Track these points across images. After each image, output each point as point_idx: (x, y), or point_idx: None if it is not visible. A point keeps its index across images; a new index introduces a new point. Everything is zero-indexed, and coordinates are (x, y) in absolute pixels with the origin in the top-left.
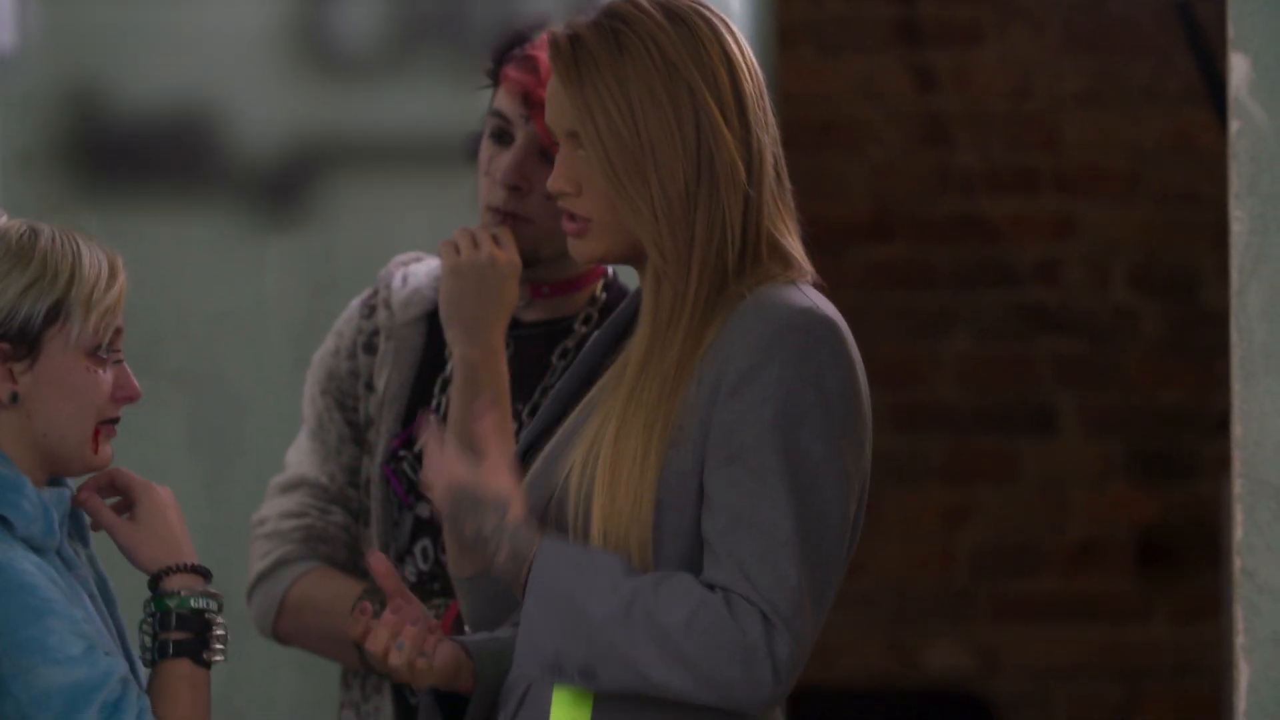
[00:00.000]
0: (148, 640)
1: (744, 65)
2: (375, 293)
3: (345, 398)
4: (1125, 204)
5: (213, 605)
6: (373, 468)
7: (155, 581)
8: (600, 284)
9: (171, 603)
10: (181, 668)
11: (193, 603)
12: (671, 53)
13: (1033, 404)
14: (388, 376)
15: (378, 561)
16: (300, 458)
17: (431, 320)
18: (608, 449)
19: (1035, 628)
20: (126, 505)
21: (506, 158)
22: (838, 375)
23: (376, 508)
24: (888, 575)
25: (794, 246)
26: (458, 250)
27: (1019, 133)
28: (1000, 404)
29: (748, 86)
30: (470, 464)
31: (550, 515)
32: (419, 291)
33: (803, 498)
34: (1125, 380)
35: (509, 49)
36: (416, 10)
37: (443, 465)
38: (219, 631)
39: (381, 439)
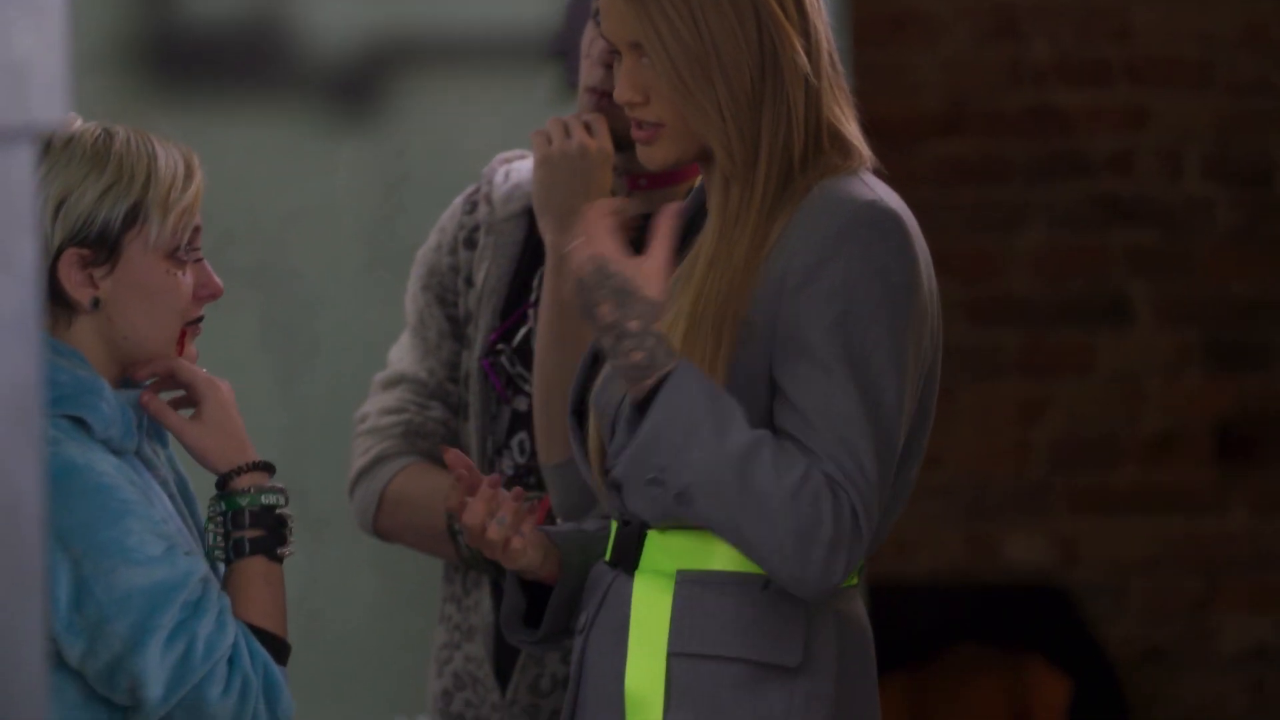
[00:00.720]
0: (219, 539)
1: None
2: (478, 188)
3: (446, 293)
4: (1198, 94)
5: (281, 500)
6: (471, 362)
7: (225, 480)
8: (698, 179)
9: (244, 501)
10: (257, 565)
11: (264, 499)
12: None
13: (1107, 295)
14: (486, 270)
15: (454, 458)
16: (401, 354)
17: (531, 215)
18: (678, 347)
19: (1113, 519)
20: (188, 400)
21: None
22: (902, 268)
23: (475, 402)
24: (965, 469)
25: (852, 132)
26: (549, 140)
27: (1090, 24)
28: (1075, 296)
29: None
30: (629, 259)
31: (623, 418)
32: (520, 187)
33: (869, 392)
34: (1200, 270)
35: None
36: None
37: (602, 239)
38: (289, 528)
39: (480, 333)
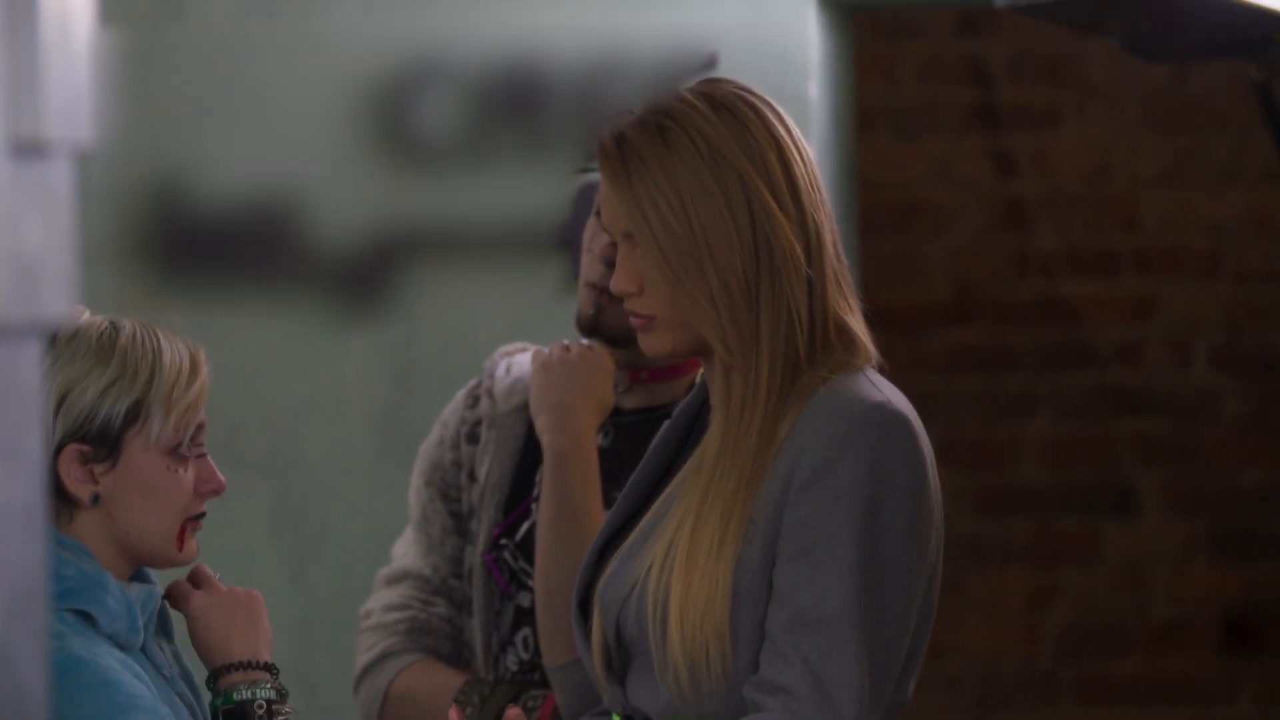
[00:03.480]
0: None
1: (793, 148)
2: (479, 383)
3: (449, 488)
4: (1206, 284)
5: (262, 694)
6: (474, 557)
7: (211, 682)
8: (699, 372)
9: (218, 702)
10: None
11: (235, 696)
12: (719, 142)
13: (1115, 484)
14: (489, 465)
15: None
16: (405, 549)
17: None
18: (684, 543)
19: (1120, 710)
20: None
21: (607, 236)
22: (909, 471)
23: (478, 597)
24: (973, 658)
25: (857, 326)
26: (550, 352)
27: (1098, 214)
28: (1083, 485)
29: (799, 169)
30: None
31: (630, 611)
32: (521, 380)
33: (871, 593)
34: (1207, 460)
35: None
36: (496, 100)
37: None
38: (279, 718)
39: (483, 528)
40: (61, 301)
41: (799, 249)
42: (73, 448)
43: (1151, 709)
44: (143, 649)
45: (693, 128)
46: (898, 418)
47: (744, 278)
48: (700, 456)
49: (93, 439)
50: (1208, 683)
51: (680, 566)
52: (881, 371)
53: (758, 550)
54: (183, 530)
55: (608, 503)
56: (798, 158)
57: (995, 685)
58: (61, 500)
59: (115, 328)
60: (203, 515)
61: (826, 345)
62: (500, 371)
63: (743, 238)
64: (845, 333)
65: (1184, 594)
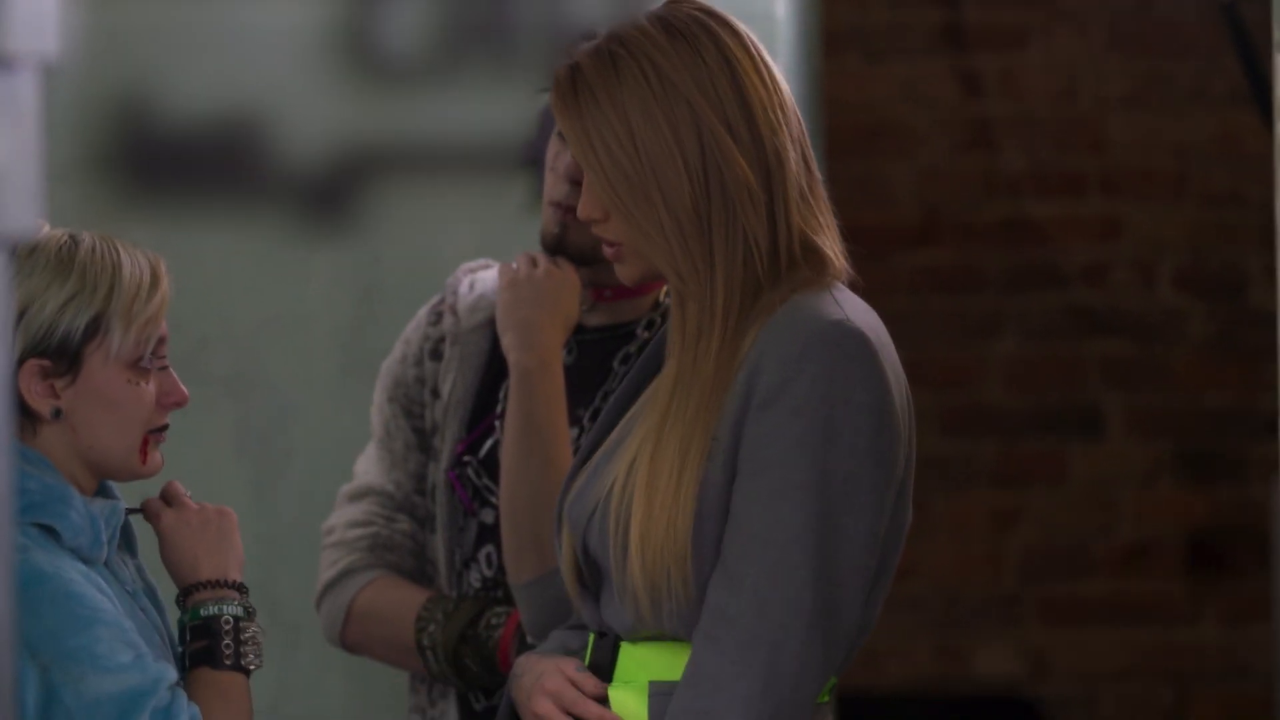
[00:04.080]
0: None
1: (752, 70)
2: (442, 299)
3: (412, 405)
4: (1171, 206)
5: (228, 610)
6: (438, 474)
7: (180, 600)
8: (664, 289)
9: (185, 618)
10: (200, 675)
11: (201, 612)
12: (669, 71)
13: (1081, 406)
14: (453, 382)
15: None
16: (368, 466)
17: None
18: (644, 468)
19: (1084, 631)
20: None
21: (571, 154)
22: (868, 389)
23: (442, 514)
24: (937, 579)
25: (829, 244)
26: (516, 269)
27: (1065, 136)
28: (1048, 406)
29: (756, 92)
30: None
31: (594, 530)
32: (485, 297)
33: (826, 515)
34: (1173, 381)
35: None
36: (463, 16)
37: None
38: (245, 635)
39: (446, 445)
40: (25, 214)
41: (753, 176)
42: (33, 363)
43: (1116, 630)
44: (106, 564)
45: (644, 56)
46: (855, 334)
47: (693, 208)
48: (660, 380)
49: (52, 354)
50: (1172, 604)
51: (640, 492)
52: (854, 288)
53: (719, 467)
54: (145, 443)
55: (571, 420)
56: (755, 80)
57: (960, 606)
58: (23, 415)
59: (74, 241)
60: (165, 428)
61: (792, 265)
62: (464, 288)
63: (691, 168)
64: (814, 252)
65: (1149, 515)
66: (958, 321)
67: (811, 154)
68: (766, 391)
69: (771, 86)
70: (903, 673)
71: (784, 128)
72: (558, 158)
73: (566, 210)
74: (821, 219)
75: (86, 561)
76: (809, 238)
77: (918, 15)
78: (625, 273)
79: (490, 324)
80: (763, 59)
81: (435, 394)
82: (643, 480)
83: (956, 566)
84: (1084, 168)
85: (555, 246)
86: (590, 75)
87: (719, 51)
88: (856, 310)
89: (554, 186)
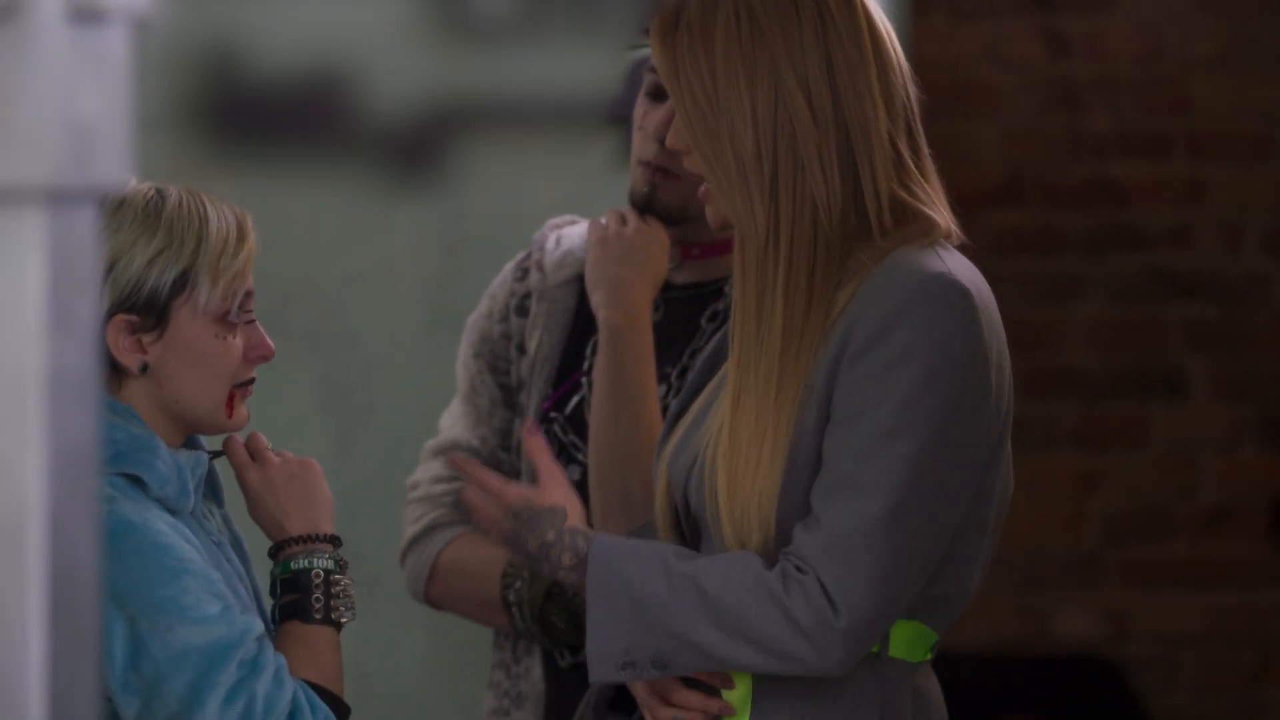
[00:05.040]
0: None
1: (846, 32)
2: (529, 255)
3: (497, 360)
4: (1257, 167)
5: (320, 564)
6: (523, 430)
7: (272, 554)
8: None
9: (276, 570)
10: (290, 628)
11: (292, 565)
12: (762, 19)
13: (1164, 369)
14: (539, 338)
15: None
16: (453, 421)
17: (583, 282)
18: (727, 426)
19: (1166, 593)
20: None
21: (659, 113)
22: (967, 342)
23: (527, 469)
24: (1019, 541)
25: (931, 207)
26: (606, 226)
27: (1150, 97)
28: (1131, 369)
29: (844, 52)
30: (523, 486)
31: (693, 484)
32: (571, 253)
33: (918, 465)
34: (1256, 345)
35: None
36: None
37: (498, 494)
38: (336, 589)
39: (533, 401)
40: (116, 169)
41: (827, 140)
42: (121, 318)
43: (1197, 594)
44: (192, 513)
45: (743, 2)
46: (956, 287)
47: (757, 160)
48: (729, 333)
49: (140, 308)
50: (1254, 568)
51: (724, 452)
52: (964, 250)
53: (813, 417)
54: (231, 397)
55: (659, 378)
56: (849, 44)
57: (1041, 568)
58: (110, 369)
59: (161, 196)
60: (251, 381)
61: (884, 228)
62: (550, 244)
63: (759, 122)
64: (910, 214)
65: (1231, 479)
66: (1040, 283)
67: (917, 123)
68: (865, 340)
69: (869, 51)
70: (984, 633)
71: (874, 94)
72: (647, 116)
73: (655, 169)
74: (920, 187)
75: (173, 511)
76: (906, 202)
77: None
78: (711, 213)
79: (577, 280)
80: (868, 23)
81: (521, 350)
82: (726, 442)
83: (1038, 528)
84: (1169, 129)
85: (644, 205)
86: (691, 9)
87: (817, 10)
88: (960, 266)
89: (643, 145)
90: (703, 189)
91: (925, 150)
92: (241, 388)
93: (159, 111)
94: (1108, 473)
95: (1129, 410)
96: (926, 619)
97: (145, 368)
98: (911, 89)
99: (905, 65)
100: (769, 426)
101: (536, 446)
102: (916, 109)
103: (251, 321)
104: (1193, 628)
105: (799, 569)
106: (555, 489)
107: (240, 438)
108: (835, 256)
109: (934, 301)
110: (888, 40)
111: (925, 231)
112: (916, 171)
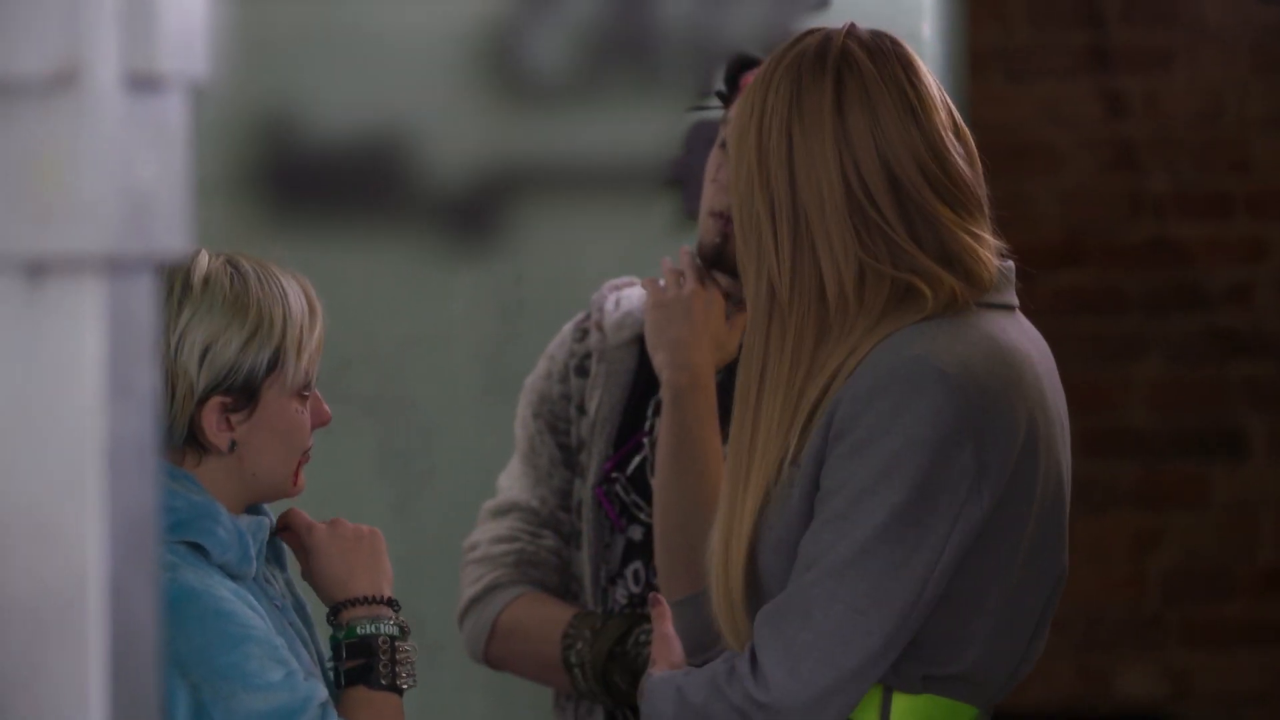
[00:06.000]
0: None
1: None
2: (588, 316)
3: (557, 420)
4: None
5: (385, 629)
6: (584, 490)
7: (331, 617)
8: None
9: (340, 634)
10: (359, 694)
11: (359, 630)
12: (808, 105)
13: (1224, 428)
14: (599, 399)
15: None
16: (511, 481)
17: (643, 343)
18: (724, 499)
19: (1227, 652)
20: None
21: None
22: (937, 426)
23: (588, 530)
24: (1080, 600)
25: (966, 267)
26: (662, 288)
27: (1209, 156)
28: (1191, 428)
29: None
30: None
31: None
32: (631, 314)
33: (863, 547)
34: None
35: (746, 67)
36: (608, 34)
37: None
38: (401, 655)
39: (594, 461)
40: (175, 236)
41: (839, 216)
42: (216, 400)
43: (1258, 651)
44: (255, 579)
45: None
46: (928, 370)
47: (771, 229)
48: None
49: (236, 391)
50: None
51: (717, 527)
52: (1024, 311)
53: (796, 497)
54: (298, 466)
55: (724, 438)
56: (865, 114)
57: (1101, 628)
58: (194, 446)
59: (242, 276)
60: (310, 448)
61: (900, 299)
62: (609, 305)
63: (775, 193)
64: (937, 281)
65: None
66: (1101, 343)
67: (957, 173)
68: (839, 426)
69: (909, 119)
70: (1045, 693)
71: (909, 166)
72: (720, 169)
73: (727, 221)
74: (955, 243)
75: (235, 577)
76: (927, 269)
77: (1062, 36)
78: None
79: (637, 341)
80: (917, 85)
81: (581, 410)
82: (722, 513)
83: (1099, 587)
84: (1228, 188)
85: (714, 258)
86: (775, 70)
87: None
88: (951, 345)
89: (715, 197)
90: None
91: (972, 198)
92: (304, 455)
93: (216, 177)
94: (1168, 532)
95: (1189, 469)
96: (949, 693)
97: (233, 446)
98: (944, 142)
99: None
100: (737, 509)
101: (660, 615)
102: (957, 159)
103: (312, 390)
104: (1253, 686)
105: (751, 649)
106: (666, 649)
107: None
108: (831, 331)
109: (901, 386)
110: (925, 103)
111: (946, 303)
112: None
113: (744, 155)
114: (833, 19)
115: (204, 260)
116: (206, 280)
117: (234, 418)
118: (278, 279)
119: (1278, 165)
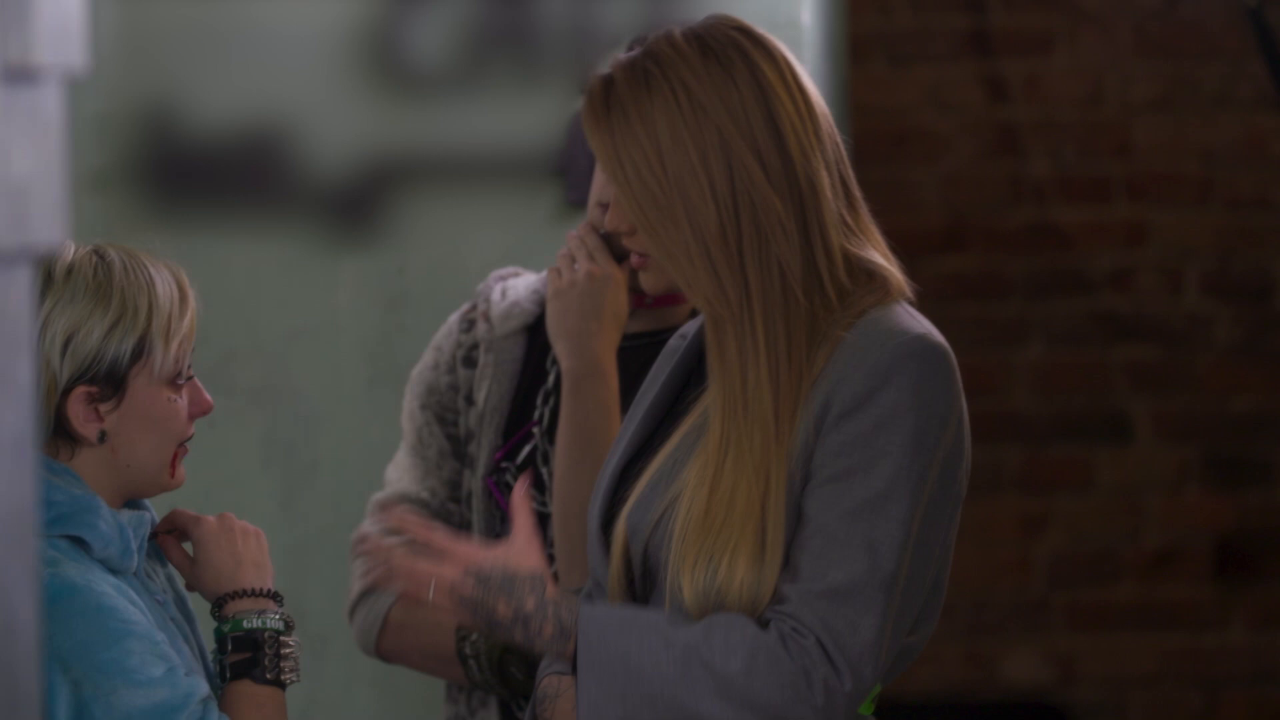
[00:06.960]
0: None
1: (784, 94)
2: (474, 306)
3: (445, 412)
4: (1197, 210)
5: (271, 623)
6: (474, 481)
7: (215, 609)
8: None
9: (226, 627)
10: (243, 688)
11: (245, 624)
12: (700, 94)
13: (1107, 412)
14: (488, 389)
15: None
16: (400, 474)
17: (531, 333)
18: (702, 498)
19: (1113, 636)
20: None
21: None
22: (950, 403)
23: (479, 521)
24: (965, 585)
25: (877, 259)
26: (560, 275)
27: (1091, 140)
28: (1075, 412)
29: (788, 117)
30: (493, 548)
31: (660, 536)
32: (518, 304)
33: (909, 526)
34: (1199, 386)
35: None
36: (488, 24)
37: (463, 555)
38: (285, 650)
39: (483, 452)
40: (52, 229)
41: (785, 205)
42: (81, 390)
43: (1144, 636)
44: (136, 573)
45: (676, 77)
46: (938, 348)
47: (721, 235)
48: (709, 405)
49: (101, 380)
50: (1200, 610)
51: (696, 523)
52: (911, 303)
53: (794, 482)
54: (175, 456)
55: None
56: (789, 105)
57: (988, 612)
58: (64, 438)
59: (106, 264)
60: (190, 438)
61: (843, 290)
62: (496, 295)
63: (719, 196)
64: (864, 269)
65: (1176, 521)
66: (983, 328)
67: (850, 175)
68: (852, 402)
69: (805, 110)
70: (931, 679)
71: (817, 152)
72: (597, 179)
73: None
74: (867, 237)
75: (116, 572)
76: (859, 259)
77: (943, 20)
78: (649, 282)
79: (524, 331)
80: (796, 81)
81: (469, 401)
82: (699, 512)
83: (984, 573)
84: (1110, 172)
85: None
86: (622, 90)
87: (752, 75)
88: (931, 326)
89: (604, 188)
90: (635, 259)
91: (861, 201)
92: (182, 446)
93: (99, 170)
94: (1053, 516)
95: (1073, 453)
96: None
97: (103, 436)
98: (840, 140)
99: (828, 115)
100: (759, 502)
101: (522, 505)
102: (847, 160)
103: (191, 378)
104: (1140, 670)
105: (796, 630)
106: (532, 553)
107: (176, 496)
108: (804, 321)
109: (919, 363)
110: (814, 94)
111: (885, 289)
112: (855, 224)
113: (672, 157)
114: (712, 8)
115: (69, 251)
116: (70, 270)
117: (102, 408)
118: (145, 267)
119: (1159, 149)
